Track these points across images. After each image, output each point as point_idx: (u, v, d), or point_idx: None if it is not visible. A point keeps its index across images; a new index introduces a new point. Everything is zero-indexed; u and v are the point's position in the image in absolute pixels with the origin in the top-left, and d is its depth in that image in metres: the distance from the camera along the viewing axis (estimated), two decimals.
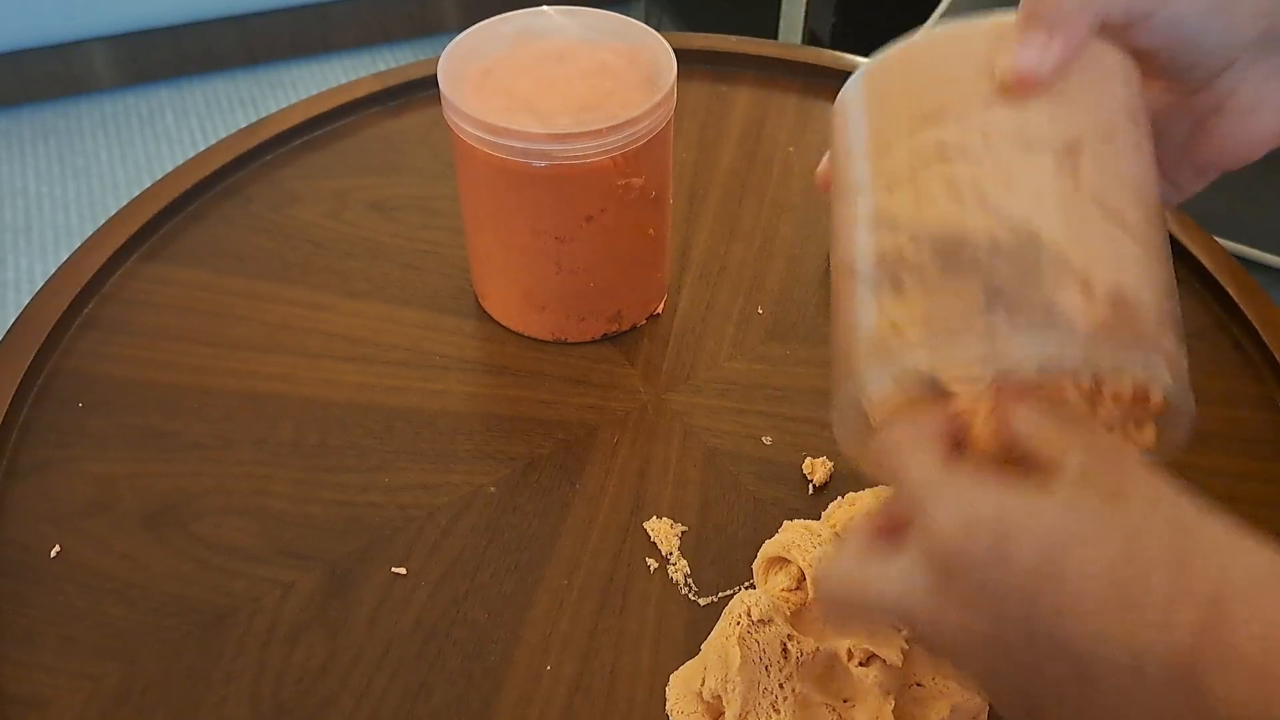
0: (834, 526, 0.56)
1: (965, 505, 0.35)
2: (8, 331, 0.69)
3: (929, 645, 0.39)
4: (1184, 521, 0.33)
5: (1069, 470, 0.35)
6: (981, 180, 0.38)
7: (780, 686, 0.51)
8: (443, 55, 0.65)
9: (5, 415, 0.65)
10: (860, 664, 0.51)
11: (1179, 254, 0.78)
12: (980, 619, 0.35)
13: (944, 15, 1.24)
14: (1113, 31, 0.41)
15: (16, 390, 0.66)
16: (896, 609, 0.37)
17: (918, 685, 0.53)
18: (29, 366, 0.68)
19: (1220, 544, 0.33)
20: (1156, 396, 0.39)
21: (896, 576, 0.37)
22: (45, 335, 0.69)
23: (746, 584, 0.59)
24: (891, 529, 0.38)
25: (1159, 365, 0.37)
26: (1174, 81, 0.45)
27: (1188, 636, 0.31)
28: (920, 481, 0.36)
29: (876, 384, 0.39)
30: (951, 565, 0.35)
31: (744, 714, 0.50)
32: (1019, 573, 0.33)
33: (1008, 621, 0.34)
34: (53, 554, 0.60)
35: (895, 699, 0.51)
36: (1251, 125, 0.44)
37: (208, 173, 0.81)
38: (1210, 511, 0.34)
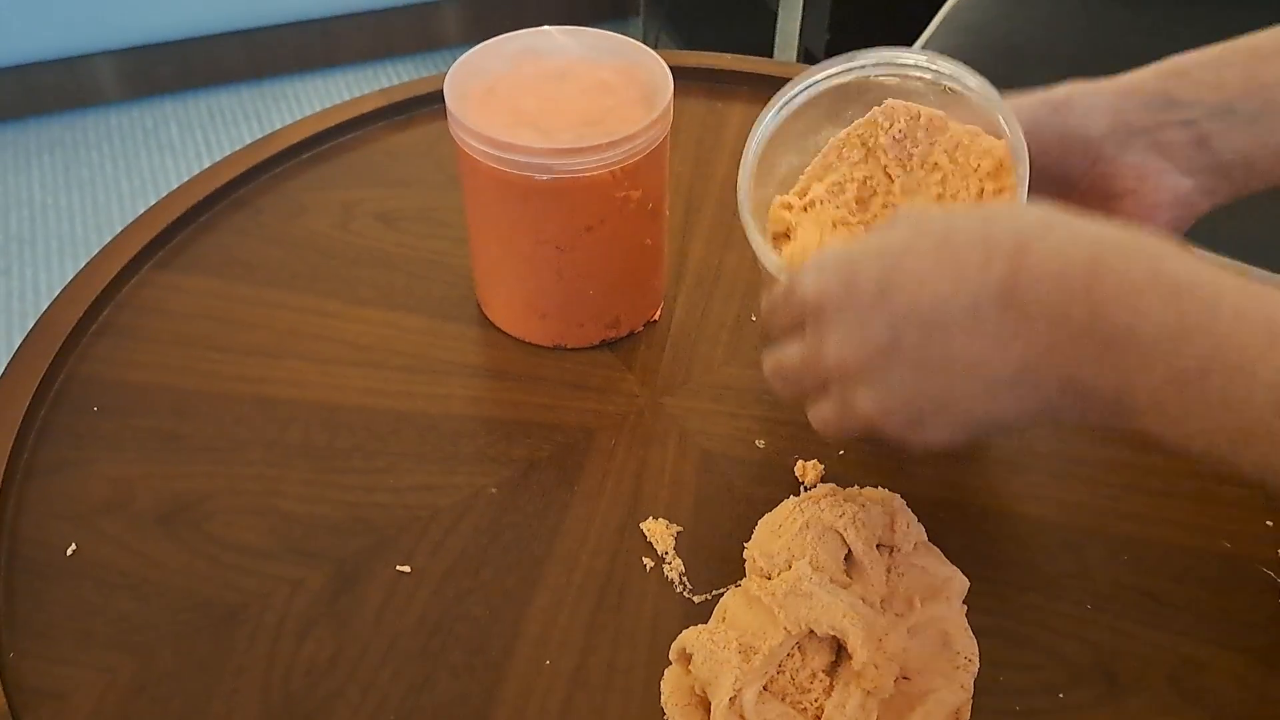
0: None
1: (817, 261, 0.46)
2: (25, 338, 0.71)
3: (844, 393, 0.48)
4: (985, 211, 0.44)
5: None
6: None
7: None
8: (449, 73, 0.67)
9: (23, 418, 0.67)
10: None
11: None
12: (855, 339, 0.45)
13: (933, 35, 1.26)
14: None
15: (34, 394, 0.68)
16: (804, 372, 0.49)
17: (904, 679, 0.55)
18: (46, 371, 0.69)
19: (1014, 211, 0.43)
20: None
21: (795, 353, 0.49)
22: (61, 341, 0.71)
23: (738, 582, 0.61)
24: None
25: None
26: (1057, 184, 0.53)
27: (1002, 275, 0.40)
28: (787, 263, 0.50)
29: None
30: (821, 310, 0.45)
31: (736, 694, 0.52)
32: (870, 282, 0.43)
33: (874, 326, 0.44)
34: (69, 552, 0.62)
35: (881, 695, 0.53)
36: (1144, 205, 0.50)
37: (219, 184, 0.83)
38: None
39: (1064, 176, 0.52)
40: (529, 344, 0.74)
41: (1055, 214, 0.42)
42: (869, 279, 0.43)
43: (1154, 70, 0.50)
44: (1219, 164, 0.49)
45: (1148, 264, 0.38)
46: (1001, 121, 0.53)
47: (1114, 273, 0.39)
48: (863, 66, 0.61)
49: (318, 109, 0.90)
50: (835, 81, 0.61)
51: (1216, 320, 0.37)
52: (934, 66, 0.59)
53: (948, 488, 0.65)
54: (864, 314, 0.44)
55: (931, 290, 0.42)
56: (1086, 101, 0.50)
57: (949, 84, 0.58)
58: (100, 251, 0.77)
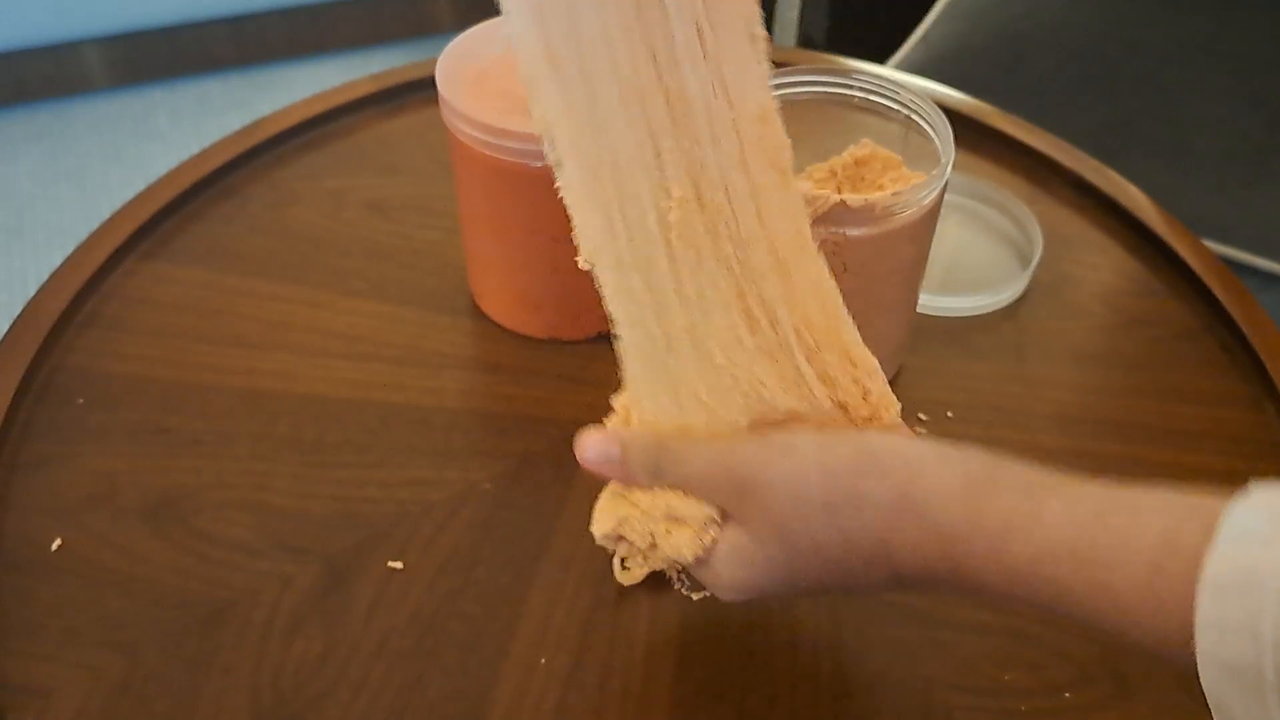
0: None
1: (720, 581, 0.50)
2: (10, 329, 0.70)
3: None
4: (836, 511, 0.46)
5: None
6: None
7: None
8: (440, 57, 0.66)
9: (7, 411, 0.66)
10: None
11: (1168, 257, 0.79)
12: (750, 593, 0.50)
13: (935, 21, 1.25)
14: None
15: (18, 386, 0.67)
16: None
17: None
18: (30, 363, 0.68)
19: (864, 515, 0.45)
20: None
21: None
22: (46, 332, 0.70)
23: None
24: None
25: None
26: None
27: (885, 573, 0.46)
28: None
29: None
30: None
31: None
32: (774, 594, 0.51)
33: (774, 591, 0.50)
34: (54, 547, 0.61)
35: None
36: None
37: (207, 172, 0.81)
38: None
39: None
40: (523, 336, 0.72)
41: (903, 493, 0.45)
42: (775, 593, 0.50)
43: None
44: None
45: (998, 566, 0.43)
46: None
47: (969, 568, 0.43)
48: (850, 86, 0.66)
49: (308, 96, 0.88)
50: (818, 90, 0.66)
51: (1071, 594, 0.42)
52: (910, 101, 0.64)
53: None
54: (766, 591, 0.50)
55: (830, 585, 0.48)
56: None
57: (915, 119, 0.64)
58: (85, 241, 0.76)
